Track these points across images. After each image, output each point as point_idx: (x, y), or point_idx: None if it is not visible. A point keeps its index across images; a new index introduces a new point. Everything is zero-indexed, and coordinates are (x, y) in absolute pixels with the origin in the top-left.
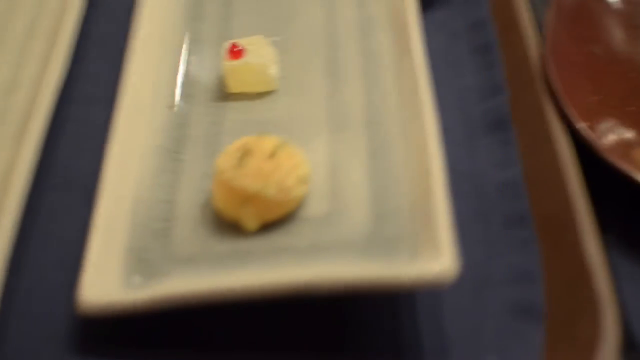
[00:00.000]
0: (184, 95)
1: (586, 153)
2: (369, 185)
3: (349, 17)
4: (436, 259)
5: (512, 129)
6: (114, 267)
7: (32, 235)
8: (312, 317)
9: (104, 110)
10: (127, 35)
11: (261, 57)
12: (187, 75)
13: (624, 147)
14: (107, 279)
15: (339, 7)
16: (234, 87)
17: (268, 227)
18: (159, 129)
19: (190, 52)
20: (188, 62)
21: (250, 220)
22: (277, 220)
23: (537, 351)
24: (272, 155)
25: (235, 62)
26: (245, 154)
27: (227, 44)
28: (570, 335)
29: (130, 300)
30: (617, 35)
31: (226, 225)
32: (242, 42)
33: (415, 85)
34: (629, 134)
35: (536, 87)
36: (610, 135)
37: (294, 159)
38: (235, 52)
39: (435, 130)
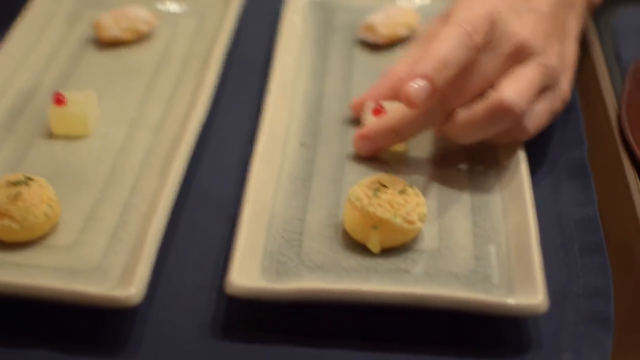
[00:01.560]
0: (311, 135)
1: None
2: (472, 232)
3: None
4: (534, 295)
5: (591, 174)
6: (255, 262)
7: (174, 242)
8: (416, 319)
9: (234, 144)
10: (255, 84)
11: None
12: (313, 120)
13: None
14: (250, 270)
15: None
16: None
17: (388, 251)
18: (291, 161)
19: (316, 102)
20: (314, 110)
21: (376, 243)
22: (396, 247)
23: (607, 352)
24: (402, 192)
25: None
26: (380, 186)
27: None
28: (636, 341)
29: (270, 289)
30: None
31: (352, 245)
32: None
33: (513, 159)
34: None
35: (613, 141)
36: None
37: (418, 198)
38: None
39: (530, 195)
